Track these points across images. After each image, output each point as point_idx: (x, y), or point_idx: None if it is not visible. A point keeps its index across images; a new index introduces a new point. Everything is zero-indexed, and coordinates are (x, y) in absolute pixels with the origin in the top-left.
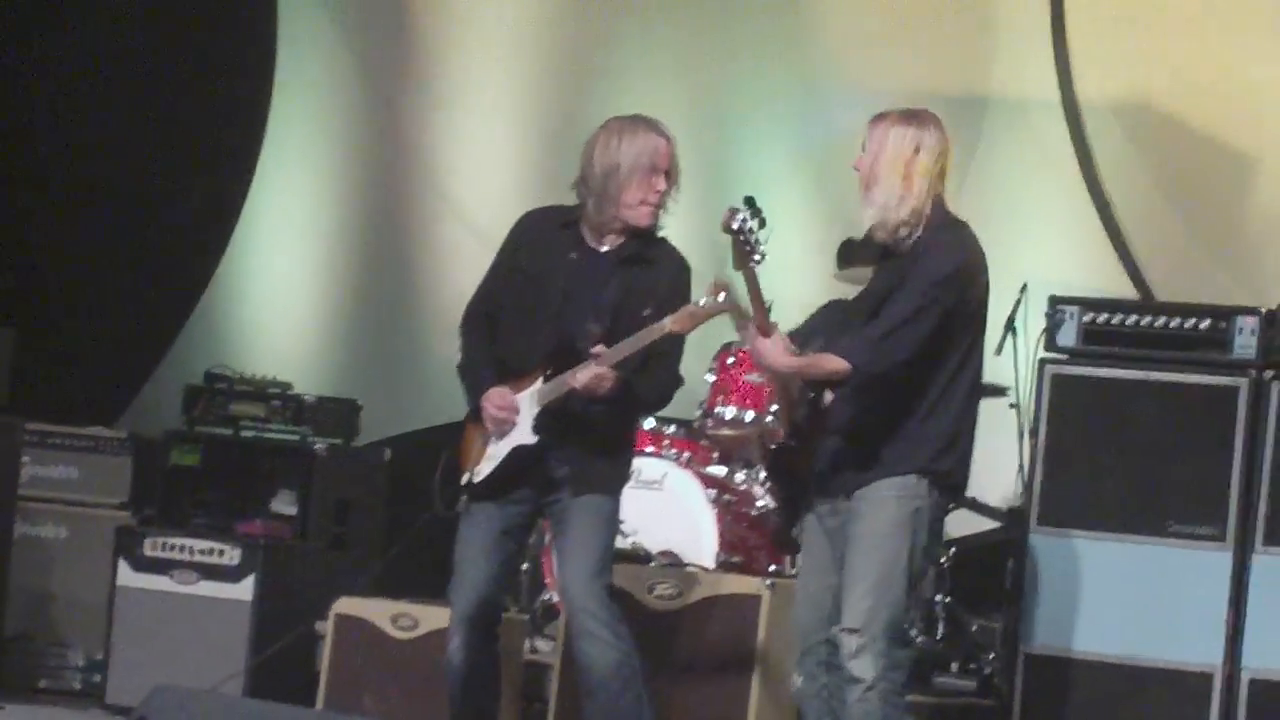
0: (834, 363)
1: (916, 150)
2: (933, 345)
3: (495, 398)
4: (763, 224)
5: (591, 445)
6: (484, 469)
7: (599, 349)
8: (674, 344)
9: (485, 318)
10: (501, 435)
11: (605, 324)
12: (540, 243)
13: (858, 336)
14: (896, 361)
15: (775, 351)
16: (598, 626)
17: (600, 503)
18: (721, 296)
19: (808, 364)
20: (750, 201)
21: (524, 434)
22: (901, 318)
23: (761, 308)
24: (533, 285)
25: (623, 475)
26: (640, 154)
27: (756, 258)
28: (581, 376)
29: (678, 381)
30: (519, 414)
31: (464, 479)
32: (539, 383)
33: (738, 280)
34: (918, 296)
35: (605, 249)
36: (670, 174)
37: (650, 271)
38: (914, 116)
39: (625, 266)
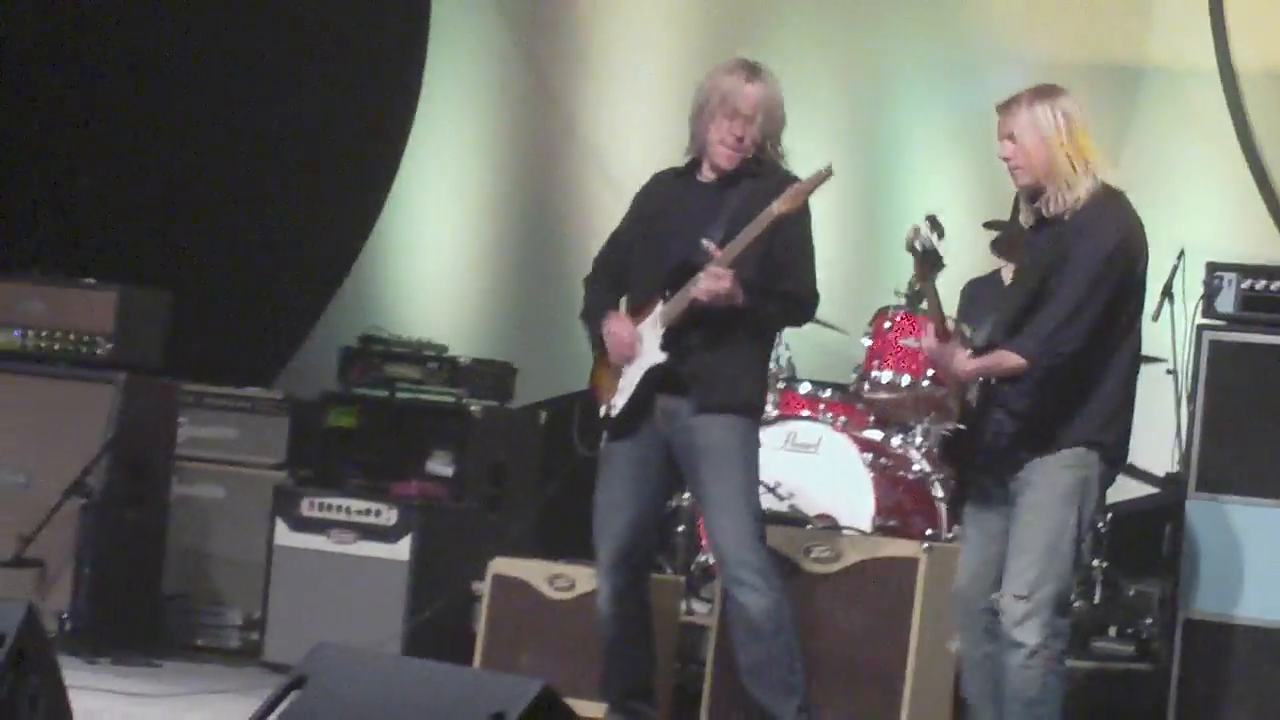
0: (1011, 360)
1: (1065, 121)
2: (1102, 324)
3: (614, 322)
4: (942, 236)
5: (720, 358)
6: (619, 400)
7: (712, 249)
8: (802, 243)
9: (611, 267)
10: (630, 362)
11: (718, 238)
12: (660, 190)
13: (1030, 330)
14: (1071, 352)
15: (958, 357)
16: (749, 574)
17: (729, 430)
18: (827, 165)
19: (988, 366)
20: (933, 220)
21: (653, 355)
22: (1073, 304)
23: (941, 316)
24: (650, 226)
25: (755, 394)
26: (723, 96)
27: (938, 271)
28: (702, 282)
29: (811, 292)
30: (643, 339)
31: (601, 413)
32: (659, 306)
33: (923, 291)
34: (1085, 282)
35: (711, 179)
36: (755, 120)
37: (758, 184)
38: (1047, 91)
39: (731, 186)
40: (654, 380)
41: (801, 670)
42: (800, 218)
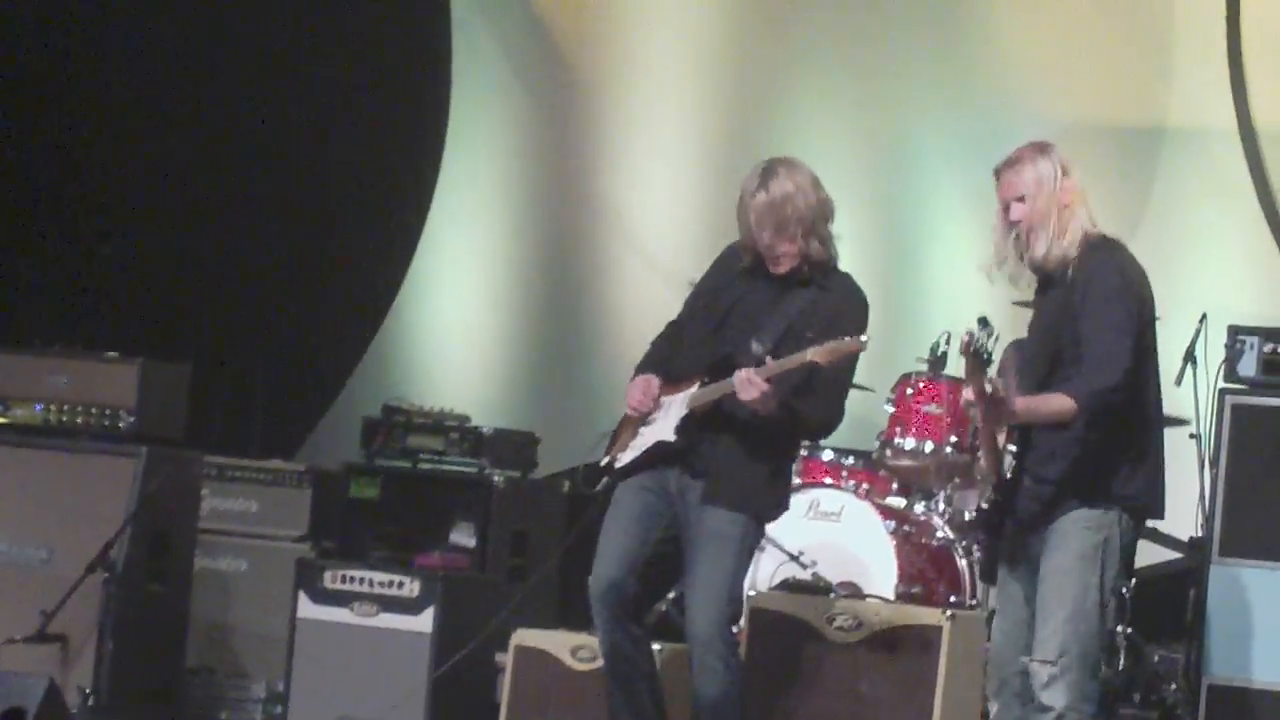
0: (1059, 401)
1: (1065, 174)
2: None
3: (639, 383)
4: (992, 335)
5: (734, 454)
6: (625, 457)
7: (759, 359)
8: (839, 374)
9: (669, 338)
10: (647, 425)
11: (768, 344)
12: (727, 268)
13: (1075, 380)
14: (1119, 400)
15: (1009, 397)
16: (716, 660)
17: (731, 523)
18: (864, 338)
19: (1036, 404)
20: (984, 322)
21: (666, 431)
22: (1105, 352)
23: (984, 389)
24: (710, 301)
25: (764, 497)
26: (741, 216)
27: (988, 369)
28: (739, 385)
29: (836, 414)
30: (664, 411)
31: (604, 461)
32: (694, 388)
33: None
34: (1108, 328)
35: (779, 272)
36: (770, 226)
37: (822, 297)
38: (1043, 147)
39: (797, 289)
40: (660, 453)
41: None
42: (845, 357)
